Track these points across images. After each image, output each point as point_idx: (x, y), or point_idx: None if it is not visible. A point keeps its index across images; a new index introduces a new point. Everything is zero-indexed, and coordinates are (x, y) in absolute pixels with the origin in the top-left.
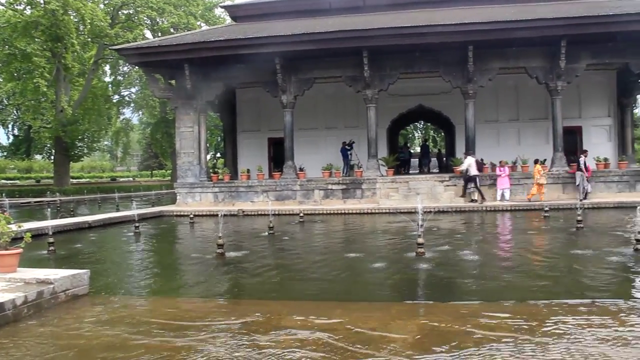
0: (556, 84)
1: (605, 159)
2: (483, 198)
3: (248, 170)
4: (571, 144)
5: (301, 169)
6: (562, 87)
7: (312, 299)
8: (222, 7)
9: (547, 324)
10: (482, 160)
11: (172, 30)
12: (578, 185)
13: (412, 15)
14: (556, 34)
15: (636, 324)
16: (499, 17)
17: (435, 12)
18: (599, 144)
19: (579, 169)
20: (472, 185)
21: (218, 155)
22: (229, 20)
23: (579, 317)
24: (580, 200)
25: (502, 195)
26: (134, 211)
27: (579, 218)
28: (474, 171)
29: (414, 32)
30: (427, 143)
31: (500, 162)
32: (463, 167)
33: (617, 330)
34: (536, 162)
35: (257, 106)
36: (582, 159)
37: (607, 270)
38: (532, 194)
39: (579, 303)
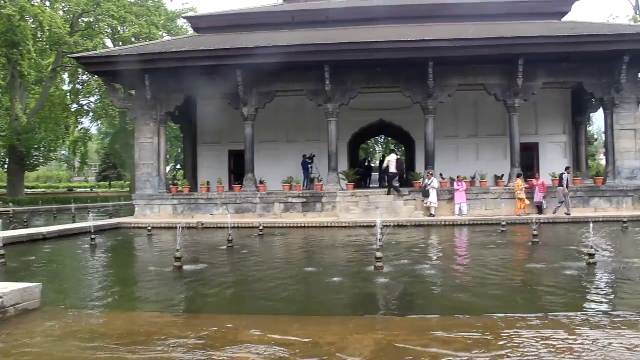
0: (514, 101)
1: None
2: (397, 193)
3: (208, 183)
4: (528, 160)
5: (262, 182)
6: (519, 104)
7: (269, 314)
8: (184, 18)
9: (503, 337)
10: (441, 175)
11: (133, 39)
12: (563, 201)
13: (375, 30)
14: (514, 53)
15: (588, 335)
16: (460, 35)
17: (399, 28)
18: (554, 160)
19: (561, 185)
20: (395, 184)
21: (178, 167)
22: (191, 31)
23: (533, 330)
24: (569, 214)
25: (460, 209)
26: (90, 223)
27: (535, 233)
28: (392, 169)
29: (375, 47)
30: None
31: (457, 177)
32: (385, 165)
33: (569, 343)
34: (519, 176)
35: (218, 118)
36: (565, 175)
37: (560, 283)
38: (519, 209)
39: (533, 316)
